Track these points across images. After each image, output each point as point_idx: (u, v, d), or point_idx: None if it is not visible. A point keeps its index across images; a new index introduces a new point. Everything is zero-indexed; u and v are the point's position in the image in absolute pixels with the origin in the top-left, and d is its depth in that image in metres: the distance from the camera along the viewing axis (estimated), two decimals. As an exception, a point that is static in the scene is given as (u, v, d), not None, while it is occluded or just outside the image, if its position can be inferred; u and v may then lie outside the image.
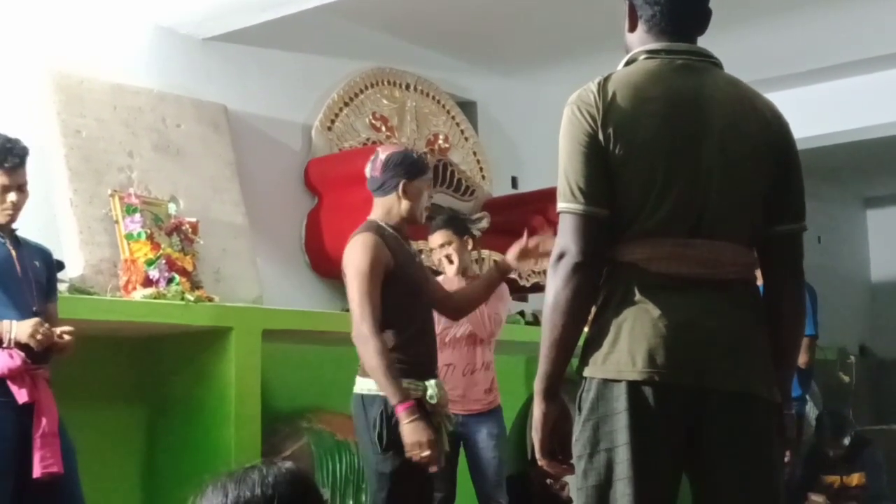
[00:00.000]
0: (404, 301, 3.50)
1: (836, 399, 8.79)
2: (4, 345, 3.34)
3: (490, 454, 4.53)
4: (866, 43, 6.68)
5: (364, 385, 3.49)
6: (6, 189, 3.49)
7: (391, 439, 3.40)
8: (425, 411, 3.46)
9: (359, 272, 3.44)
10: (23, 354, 3.36)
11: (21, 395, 3.35)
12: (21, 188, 3.54)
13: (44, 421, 3.40)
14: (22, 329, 3.36)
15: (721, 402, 2.04)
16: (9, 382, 3.35)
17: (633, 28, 2.20)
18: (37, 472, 3.35)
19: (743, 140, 2.11)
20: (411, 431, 3.33)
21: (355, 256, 3.47)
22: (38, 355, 3.39)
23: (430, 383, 3.51)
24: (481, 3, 5.96)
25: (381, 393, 3.42)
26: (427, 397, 3.48)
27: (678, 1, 2.19)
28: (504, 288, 4.62)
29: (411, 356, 3.49)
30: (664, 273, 2.04)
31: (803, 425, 5.89)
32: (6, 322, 3.36)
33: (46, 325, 3.40)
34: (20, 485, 3.37)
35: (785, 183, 2.17)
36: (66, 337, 3.46)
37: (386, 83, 6.38)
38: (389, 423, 3.41)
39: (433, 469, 3.41)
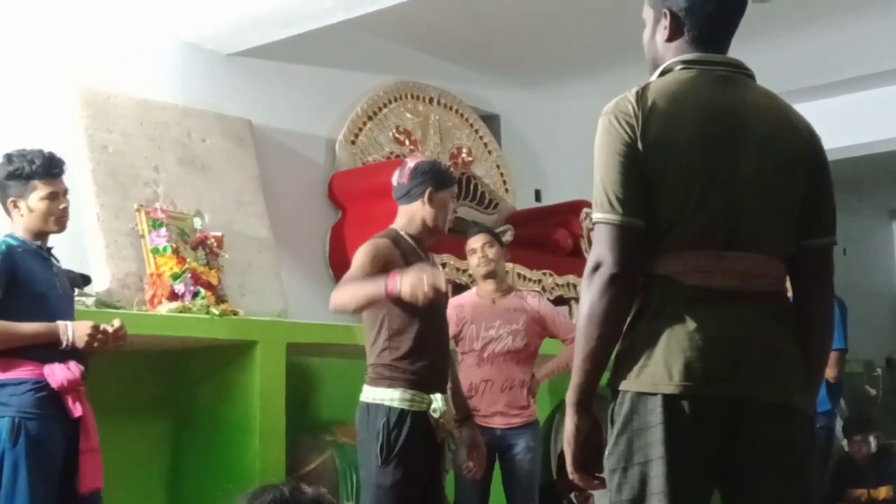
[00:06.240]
0: (414, 311, 3.44)
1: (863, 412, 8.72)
2: (63, 346, 3.35)
3: (526, 467, 4.51)
4: (891, 55, 6.65)
5: (369, 394, 3.46)
6: (55, 196, 3.53)
7: (393, 451, 3.36)
8: (429, 426, 3.43)
9: (355, 264, 3.43)
10: (81, 367, 3.38)
11: (76, 410, 3.37)
12: (65, 194, 3.59)
13: (90, 436, 3.43)
14: (79, 329, 3.38)
15: (758, 414, 2.02)
16: (64, 396, 3.36)
17: (672, 38, 2.15)
18: (83, 487, 3.37)
19: (779, 153, 2.10)
20: (413, 280, 3.10)
21: (359, 253, 3.46)
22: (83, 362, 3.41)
23: (436, 397, 3.45)
24: (504, 17, 5.98)
25: (386, 402, 3.39)
26: (430, 410, 3.44)
27: (721, 12, 2.17)
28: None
29: (417, 367, 3.44)
30: (699, 286, 2.02)
31: (832, 439, 5.85)
32: (61, 323, 3.37)
33: (102, 326, 3.41)
34: (63, 497, 3.38)
35: (817, 197, 2.15)
36: (120, 332, 3.47)
37: (409, 97, 6.40)
38: (392, 434, 3.37)
39: (439, 289, 3.14)
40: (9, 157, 3.53)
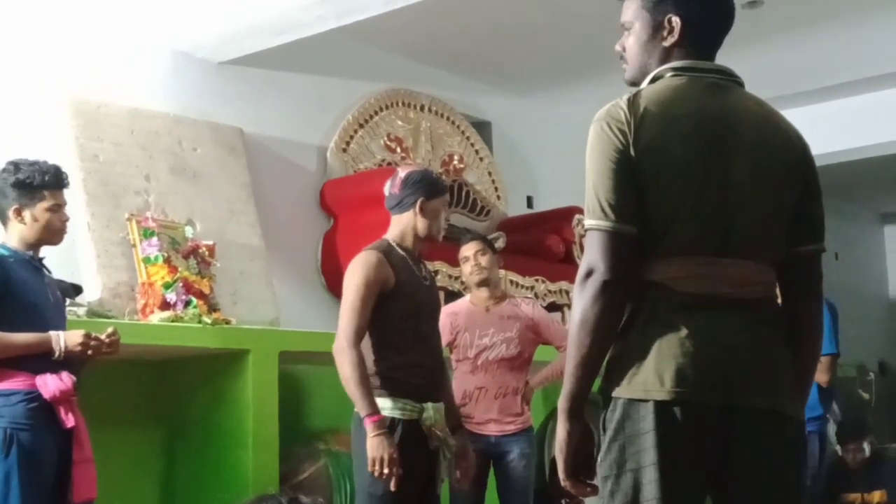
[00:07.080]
0: (405, 322, 3.48)
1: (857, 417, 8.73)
2: (56, 356, 3.34)
3: (520, 474, 4.50)
4: (881, 59, 6.67)
5: None
6: (59, 208, 3.55)
7: None
8: (422, 434, 3.45)
9: (350, 287, 3.46)
10: (73, 377, 3.38)
11: (69, 420, 3.36)
12: (65, 207, 3.61)
13: (83, 447, 3.42)
14: (71, 338, 3.37)
15: (750, 421, 2.03)
16: (57, 406, 3.35)
17: (678, 44, 2.16)
18: (77, 498, 3.36)
19: (770, 160, 2.11)
20: (375, 446, 3.31)
21: (352, 272, 3.49)
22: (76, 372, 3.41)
23: (428, 406, 3.48)
24: (495, 24, 5.98)
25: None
26: (422, 419, 3.45)
27: (719, 22, 2.19)
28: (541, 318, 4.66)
29: (409, 377, 3.46)
30: (691, 293, 2.03)
31: (825, 444, 5.85)
32: (54, 333, 3.37)
33: (94, 334, 3.42)
34: None
35: (806, 204, 2.16)
36: (113, 338, 3.48)
37: (400, 104, 6.40)
38: None
39: (392, 488, 3.33)
40: (16, 165, 3.52)
